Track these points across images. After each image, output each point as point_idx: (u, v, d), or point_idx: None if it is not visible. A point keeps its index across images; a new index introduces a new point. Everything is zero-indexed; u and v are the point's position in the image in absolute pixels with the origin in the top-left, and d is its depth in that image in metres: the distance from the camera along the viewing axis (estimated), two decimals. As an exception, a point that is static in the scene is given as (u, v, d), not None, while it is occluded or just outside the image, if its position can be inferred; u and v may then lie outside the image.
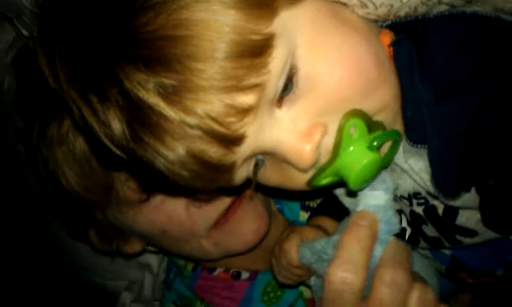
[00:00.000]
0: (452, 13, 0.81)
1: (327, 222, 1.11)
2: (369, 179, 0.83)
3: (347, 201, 1.02)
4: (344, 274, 0.82)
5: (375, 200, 0.84)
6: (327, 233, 1.05)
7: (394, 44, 0.82)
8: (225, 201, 1.16)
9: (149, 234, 1.22)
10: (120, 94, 0.70)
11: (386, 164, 0.87)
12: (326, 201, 1.17)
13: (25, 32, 1.19)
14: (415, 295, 0.83)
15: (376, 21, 0.85)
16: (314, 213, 1.22)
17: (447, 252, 1.01)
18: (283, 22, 0.73)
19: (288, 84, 0.74)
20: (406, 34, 0.83)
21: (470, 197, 0.84)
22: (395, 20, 0.84)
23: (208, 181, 0.76)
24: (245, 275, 1.32)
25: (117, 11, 0.70)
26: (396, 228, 0.85)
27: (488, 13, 0.79)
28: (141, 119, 0.71)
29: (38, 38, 0.79)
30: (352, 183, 0.80)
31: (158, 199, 1.15)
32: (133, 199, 1.15)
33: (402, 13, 0.82)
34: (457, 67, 0.78)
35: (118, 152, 0.77)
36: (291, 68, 0.73)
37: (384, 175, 0.85)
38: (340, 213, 1.08)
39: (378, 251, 0.82)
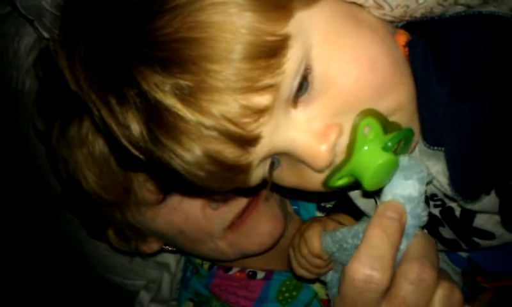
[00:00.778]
0: (468, 13, 0.80)
1: (346, 219, 1.11)
2: (384, 180, 0.82)
3: (361, 204, 1.02)
4: (369, 272, 0.77)
5: (407, 190, 0.78)
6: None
7: (410, 44, 0.82)
8: (241, 203, 1.17)
9: (166, 234, 1.23)
10: (138, 96, 0.72)
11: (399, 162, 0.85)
12: (341, 202, 1.17)
13: (45, 35, 1.21)
14: (440, 293, 0.78)
15: (391, 22, 0.85)
16: (330, 213, 1.22)
17: (464, 255, 1.01)
18: (298, 22, 0.73)
19: (304, 84, 0.74)
20: (422, 35, 0.83)
21: (490, 201, 0.82)
22: (411, 20, 0.84)
23: (224, 181, 0.77)
24: (260, 275, 1.32)
25: (135, 14, 0.71)
26: (424, 221, 0.79)
27: (504, 13, 0.79)
28: (159, 120, 0.72)
29: (58, 40, 0.80)
30: (366, 184, 0.79)
31: (175, 200, 1.16)
32: (151, 200, 1.16)
33: (418, 14, 0.82)
34: (473, 67, 0.78)
35: (137, 153, 0.78)
36: (306, 68, 0.74)
37: (419, 164, 0.80)
38: (355, 216, 1.09)
39: (403, 244, 0.77)
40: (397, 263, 0.78)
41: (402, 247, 0.76)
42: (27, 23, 1.43)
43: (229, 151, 0.72)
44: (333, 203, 1.35)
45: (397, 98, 0.79)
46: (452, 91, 0.78)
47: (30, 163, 1.62)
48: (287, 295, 1.28)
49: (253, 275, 1.33)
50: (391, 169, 0.81)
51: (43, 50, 1.27)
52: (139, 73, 0.70)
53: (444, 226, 0.93)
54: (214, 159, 0.73)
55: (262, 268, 1.33)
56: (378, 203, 0.83)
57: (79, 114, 1.11)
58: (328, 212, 1.27)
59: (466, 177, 0.81)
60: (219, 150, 0.72)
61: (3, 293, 2.26)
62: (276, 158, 0.82)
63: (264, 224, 1.21)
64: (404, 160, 0.78)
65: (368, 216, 1.03)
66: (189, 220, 1.17)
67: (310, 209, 1.37)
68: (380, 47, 0.78)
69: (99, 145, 1.11)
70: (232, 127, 0.70)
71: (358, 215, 1.07)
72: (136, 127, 0.74)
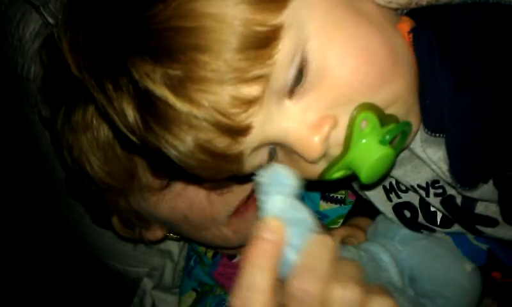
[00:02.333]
0: (474, 1, 0.79)
1: (364, 222, 1.11)
2: (382, 173, 0.82)
3: (365, 194, 1.02)
4: (242, 303, 0.69)
5: (275, 204, 0.70)
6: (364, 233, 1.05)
7: (414, 31, 0.82)
8: (246, 189, 1.17)
9: (171, 220, 1.23)
10: (130, 83, 0.72)
11: (397, 154, 0.84)
12: (358, 204, 1.17)
13: (51, 21, 1.21)
14: (334, 298, 0.69)
15: (396, 9, 0.84)
16: (350, 214, 1.23)
17: (484, 247, 1.00)
18: (293, 12, 0.72)
19: (299, 76, 0.74)
20: (427, 22, 0.82)
21: (489, 189, 0.82)
22: (416, 8, 0.84)
23: (216, 170, 0.77)
24: None
25: (133, 2, 0.71)
26: (310, 225, 0.71)
27: (510, 2, 0.78)
28: (150, 109, 0.72)
29: (62, 25, 0.81)
30: (364, 178, 0.79)
31: (180, 186, 1.16)
32: (155, 186, 1.16)
33: (423, 2, 0.82)
34: (478, 56, 0.77)
35: (134, 139, 0.78)
36: (302, 61, 0.73)
37: (279, 171, 0.71)
38: (373, 216, 1.09)
39: (293, 259, 0.69)
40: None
41: (293, 261, 0.69)
42: (32, 10, 1.43)
43: (219, 141, 0.72)
44: (338, 193, 1.36)
45: (395, 91, 0.78)
46: (455, 80, 0.78)
47: (34, 150, 1.63)
48: None
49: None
50: (388, 162, 0.80)
51: (49, 36, 1.27)
52: (130, 61, 0.71)
53: None
54: (204, 149, 0.72)
55: None
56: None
57: (83, 100, 1.11)
58: (346, 217, 1.27)
59: (466, 165, 0.80)
60: (209, 140, 0.72)
61: (6, 282, 2.27)
62: (273, 149, 0.81)
63: None
64: (262, 178, 0.71)
65: (385, 215, 1.03)
66: (193, 206, 1.17)
67: (315, 198, 1.37)
68: (379, 39, 0.77)
69: (104, 130, 1.11)
70: (221, 118, 0.70)
71: (375, 214, 1.08)
72: (130, 113, 0.74)
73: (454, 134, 0.80)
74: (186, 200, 1.17)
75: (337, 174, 0.82)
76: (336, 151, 0.78)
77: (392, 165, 0.86)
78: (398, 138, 0.81)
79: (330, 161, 0.79)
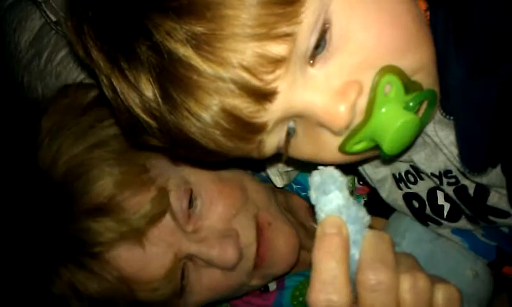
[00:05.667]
0: None
1: (378, 222, 1.11)
2: (406, 144, 0.79)
3: (369, 172, 1.01)
4: (326, 297, 0.68)
5: (333, 202, 0.71)
6: None
7: (431, 9, 0.79)
8: (251, 249, 1.12)
9: (205, 302, 1.18)
10: (150, 49, 0.70)
11: (422, 126, 0.83)
12: (371, 203, 1.16)
13: (53, 18, 1.20)
14: (405, 287, 0.70)
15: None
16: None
17: (493, 243, 1.01)
18: None
19: (322, 42, 0.72)
20: (442, 4, 0.80)
21: (497, 175, 0.81)
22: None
23: (240, 141, 0.75)
24: (272, 287, 1.30)
25: None
26: (366, 221, 0.73)
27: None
28: (172, 75, 0.70)
29: (67, 12, 0.80)
30: (387, 148, 0.76)
31: (193, 283, 1.11)
32: (174, 292, 1.10)
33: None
34: (493, 40, 0.75)
35: (149, 120, 0.76)
36: (324, 23, 0.71)
37: (329, 173, 0.72)
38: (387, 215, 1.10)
39: (355, 254, 0.71)
40: (354, 274, 0.73)
41: (356, 256, 0.71)
42: (28, 17, 1.42)
43: (245, 106, 0.71)
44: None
45: (420, 58, 0.76)
46: (468, 63, 0.76)
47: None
48: (301, 299, 1.25)
49: (265, 289, 1.30)
50: (413, 131, 0.77)
51: None
52: (151, 21, 0.69)
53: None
54: (230, 114, 0.71)
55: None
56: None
57: None
58: None
59: (474, 149, 0.79)
60: (235, 105, 0.70)
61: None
62: (291, 128, 0.80)
63: (282, 249, 1.17)
64: (315, 178, 0.72)
65: (400, 212, 1.02)
66: (216, 288, 1.13)
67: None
68: (403, 5, 0.76)
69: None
70: (248, 77, 0.69)
71: (389, 213, 1.08)
72: (147, 87, 0.72)
73: (464, 118, 0.79)
74: (207, 287, 1.12)
75: (359, 146, 0.79)
76: (359, 120, 0.76)
77: (417, 135, 0.82)
78: (424, 106, 0.79)
79: (352, 130, 0.76)
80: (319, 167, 0.72)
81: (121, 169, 1.03)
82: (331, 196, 0.71)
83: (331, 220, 0.70)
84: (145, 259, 1.03)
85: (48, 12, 1.19)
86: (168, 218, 1.04)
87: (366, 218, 0.73)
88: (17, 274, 1.09)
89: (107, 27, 0.74)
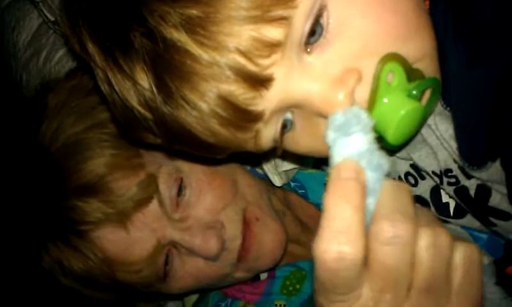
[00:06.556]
0: None
1: None
2: (410, 133, 0.77)
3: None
4: (337, 248, 0.60)
5: (354, 146, 0.64)
6: None
7: None
8: (236, 241, 1.13)
9: (185, 290, 1.22)
10: (144, 36, 0.69)
11: (426, 116, 0.81)
12: None
13: (50, 17, 1.20)
14: (423, 244, 0.62)
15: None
16: None
17: (501, 240, 0.98)
18: None
19: (318, 28, 0.71)
20: None
21: (497, 170, 0.80)
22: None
23: (237, 130, 0.73)
24: (263, 276, 1.30)
25: None
26: (386, 169, 0.66)
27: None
28: (166, 62, 0.69)
29: (62, 8, 0.80)
30: (391, 137, 0.73)
31: (176, 270, 1.13)
32: (157, 276, 1.13)
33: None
34: (492, 29, 0.74)
35: (145, 113, 0.75)
36: (320, 8, 0.69)
37: (354, 114, 0.66)
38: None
39: (371, 204, 0.63)
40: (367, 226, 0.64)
41: (371, 206, 0.63)
42: (26, 17, 1.42)
43: (241, 92, 0.69)
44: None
45: (422, 45, 0.74)
46: (467, 51, 0.75)
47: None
48: (290, 288, 1.26)
49: (256, 277, 1.30)
50: (417, 120, 0.75)
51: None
52: (146, 7, 0.68)
53: None
54: (226, 101, 0.70)
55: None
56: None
57: None
58: None
59: (473, 142, 0.78)
60: (231, 91, 0.69)
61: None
62: (288, 120, 0.78)
63: (267, 244, 1.17)
64: (337, 117, 0.66)
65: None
66: (199, 276, 1.14)
67: (318, 191, 1.34)
68: None
69: None
70: (244, 61, 0.67)
71: None
72: (142, 76, 0.72)
73: (463, 109, 0.77)
74: (189, 275, 1.14)
75: None
76: None
77: (421, 124, 0.80)
78: (427, 97, 0.77)
79: None
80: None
81: (114, 151, 1.05)
82: (353, 138, 0.64)
83: (348, 164, 0.63)
84: (128, 242, 1.06)
85: (45, 11, 1.19)
86: (154, 204, 1.06)
87: (386, 166, 0.65)
88: (9, 247, 1.16)
89: (101, 16, 0.73)
